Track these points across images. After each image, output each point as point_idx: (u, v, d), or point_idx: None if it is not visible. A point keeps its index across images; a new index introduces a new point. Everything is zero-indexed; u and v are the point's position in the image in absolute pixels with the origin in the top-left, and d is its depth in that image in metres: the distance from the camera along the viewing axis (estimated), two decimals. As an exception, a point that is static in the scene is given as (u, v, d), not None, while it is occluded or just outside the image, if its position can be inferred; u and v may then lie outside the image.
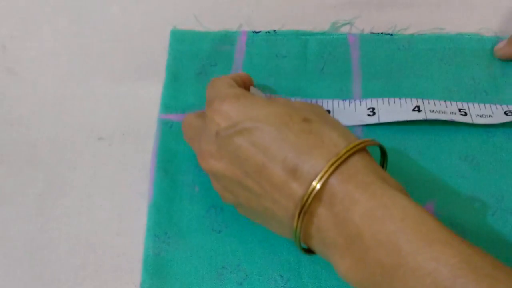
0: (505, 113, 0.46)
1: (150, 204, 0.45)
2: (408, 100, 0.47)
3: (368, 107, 0.48)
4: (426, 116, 0.46)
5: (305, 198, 0.32)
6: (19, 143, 0.48)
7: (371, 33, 0.53)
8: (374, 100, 0.48)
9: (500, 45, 0.49)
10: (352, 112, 0.48)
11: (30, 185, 0.46)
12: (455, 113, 0.46)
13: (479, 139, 0.47)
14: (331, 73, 0.50)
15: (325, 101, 0.49)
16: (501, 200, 0.44)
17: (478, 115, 0.46)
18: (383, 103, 0.48)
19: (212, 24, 0.53)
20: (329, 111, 0.47)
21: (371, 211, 0.31)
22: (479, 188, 0.45)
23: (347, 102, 0.48)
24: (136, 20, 0.54)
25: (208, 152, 0.37)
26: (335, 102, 0.48)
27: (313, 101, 0.48)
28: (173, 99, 0.49)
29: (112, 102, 0.50)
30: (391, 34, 0.52)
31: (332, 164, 0.32)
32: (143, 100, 0.50)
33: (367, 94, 0.49)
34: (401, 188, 0.34)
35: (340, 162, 0.32)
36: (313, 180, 0.32)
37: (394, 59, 0.51)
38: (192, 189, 0.45)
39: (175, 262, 0.43)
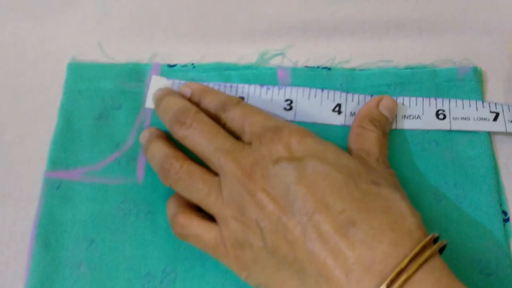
0: (437, 113, 0.41)
1: (25, 288, 0.37)
2: (331, 94, 0.43)
3: (286, 98, 0.42)
4: (344, 121, 0.42)
5: None
6: None
7: (305, 66, 0.45)
8: (294, 90, 0.43)
9: None
10: (268, 102, 0.42)
11: None
12: None
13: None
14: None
15: (240, 85, 0.43)
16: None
17: (404, 116, 0.42)
18: (302, 95, 0.43)
19: (120, 54, 0.45)
20: (243, 98, 0.42)
21: None
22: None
23: (264, 89, 0.43)
24: (28, 50, 0.46)
25: (252, 174, 0.33)
26: (252, 87, 0.43)
27: (228, 85, 0.43)
28: (64, 151, 0.41)
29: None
30: (329, 68, 0.44)
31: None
32: (30, 153, 0.42)
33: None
34: None
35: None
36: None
37: None
38: (77, 270, 0.38)
39: None
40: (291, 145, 0.34)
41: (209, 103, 0.39)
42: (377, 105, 0.40)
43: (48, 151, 0.41)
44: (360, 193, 0.31)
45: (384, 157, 0.38)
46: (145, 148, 0.39)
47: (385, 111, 0.40)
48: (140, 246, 0.38)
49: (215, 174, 0.35)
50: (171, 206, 0.37)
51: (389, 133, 0.41)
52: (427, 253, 0.29)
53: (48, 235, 0.39)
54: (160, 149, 0.38)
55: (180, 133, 0.36)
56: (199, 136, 0.36)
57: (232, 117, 0.37)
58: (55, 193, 0.40)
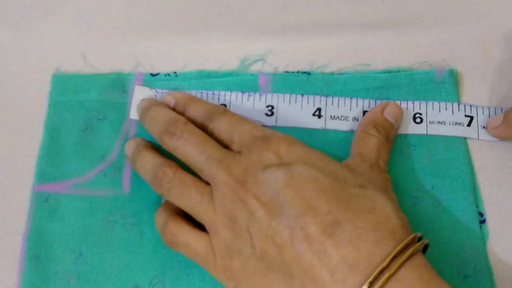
0: (414, 117, 0.43)
1: (17, 304, 0.38)
2: (311, 99, 0.44)
3: (267, 104, 0.43)
4: (325, 125, 0.43)
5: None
6: None
7: (285, 71, 0.45)
8: (274, 96, 0.44)
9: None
10: (249, 108, 0.44)
11: None
12: (357, 119, 0.43)
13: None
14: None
15: (222, 92, 0.44)
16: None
17: None
18: (283, 101, 0.44)
19: (103, 63, 0.46)
20: (225, 105, 0.43)
21: None
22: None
23: (245, 96, 0.44)
24: (12, 61, 0.46)
25: (244, 182, 0.34)
26: (233, 94, 0.44)
27: (210, 93, 0.44)
28: (50, 164, 0.42)
29: (-23, 170, 0.42)
30: (308, 73, 0.45)
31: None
32: (16, 166, 0.43)
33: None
34: None
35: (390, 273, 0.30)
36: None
37: None
38: (67, 282, 0.39)
39: None
40: (280, 152, 0.35)
41: (195, 112, 0.40)
42: (382, 111, 0.41)
43: (35, 164, 0.42)
44: (345, 196, 0.33)
45: (382, 162, 0.39)
46: (133, 159, 0.40)
47: (390, 117, 0.41)
48: (127, 258, 0.39)
49: (206, 183, 0.36)
50: (161, 215, 0.38)
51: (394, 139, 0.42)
52: (410, 251, 0.31)
53: (38, 249, 0.39)
54: (150, 159, 0.39)
55: (171, 144, 0.37)
56: (190, 147, 0.37)
57: (219, 127, 0.38)
58: (43, 206, 0.41)
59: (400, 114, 0.42)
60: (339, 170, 0.35)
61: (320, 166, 0.34)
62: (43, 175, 0.42)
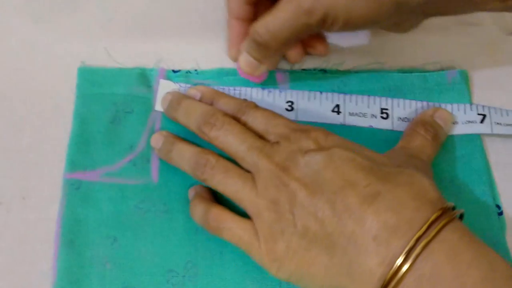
0: None
1: (54, 287, 0.39)
2: (329, 96, 0.45)
3: (287, 100, 0.45)
4: (344, 120, 0.45)
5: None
6: None
7: (302, 69, 0.47)
8: (294, 92, 0.46)
9: None
10: (270, 105, 0.45)
11: None
12: (376, 116, 0.45)
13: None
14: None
15: (243, 88, 0.46)
16: None
17: (400, 118, 0.45)
18: (302, 98, 0.45)
19: (126, 58, 0.47)
20: (245, 100, 0.44)
21: None
22: None
23: (266, 91, 0.46)
24: (38, 54, 0.48)
25: (286, 167, 0.36)
26: (254, 90, 0.46)
27: (231, 88, 0.46)
28: (81, 153, 0.43)
29: (9, 159, 0.44)
30: (325, 71, 0.47)
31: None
32: (47, 155, 0.44)
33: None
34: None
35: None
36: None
37: None
38: (103, 267, 0.40)
39: None
40: (319, 140, 0.37)
41: (225, 106, 0.42)
42: (433, 114, 0.44)
43: (65, 153, 0.43)
44: (383, 173, 0.35)
45: (424, 156, 0.41)
46: (165, 150, 0.42)
47: (439, 120, 0.43)
48: (160, 244, 0.41)
49: (247, 172, 0.38)
50: (199, 206, 0.40)
51: (443, 141, 0.44)
52: (449, 215, 0.33)
53: (73, 234, 0.41)
54: (187, 148, 0.40)
55: (211, 134, 0.39)
56: (231, 137, 0.39)
57: (253, 120, 0.40)
58: (76, 193, 0.42)
59: (449, 119, 0.44)
60: (376, 155, 0.37)
61: (357, 151, 0.36)
62: (74, 164, 0.43)
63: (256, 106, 0.41)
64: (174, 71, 0.47)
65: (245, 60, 0.43)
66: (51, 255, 0.40)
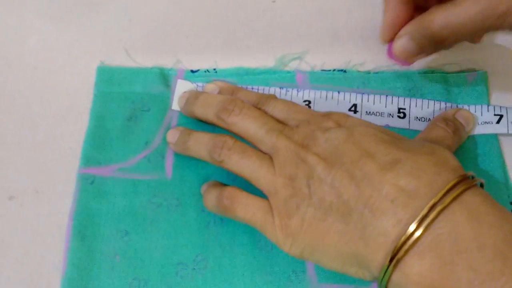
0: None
1: (63, 279, 0.39)
2: (347, 95, 0.45)
3: (305, 99, 0.45)
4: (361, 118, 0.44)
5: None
6: None
7: (322, 70, 0.47)
8: (312, 92, 0.45)
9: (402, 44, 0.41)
10: None
11: None
12: (392, 116, 0.44)
13: None
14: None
15: (261, 87, 0.45)
16: None
17: (417, 118, 0.44)
18: (320, 97, 0.45)
19: (144, 59, 0.47)
20: None
21: None
22: None
23: (283, 91, 0.45)
24: (57, 53, 0.48)
25: (305, 145, 0.36)
26: (272, 89, 0.45)
27: (249, 87, 0.45)
28: (96, 149, 0.43)
29: (24, 154, 0.44)
30: (345, 71, 0.47)
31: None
32: (61, 151, 0.44)
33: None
34: None
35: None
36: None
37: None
38: (112, 259, 0.40)
39: None
40: (340, 120, 0.37)
41: (245, 98, 0.42)
42: (455, 113, 0.43)
43: (80, 149, 0.43)
44: (404, 145, 0.34)
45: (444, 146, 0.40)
46: (182, 141, 0.41)
47: (461, 119, 0.43)
48: (171, 237, 0.40)
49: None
50: (213, 191, 0.39)
51: (463, 140, 0.43)
52: (470, 181, 0.32)
53: (84, 227, 0.40)
54: (204, 135, 0.40)
55: (230, 120, 0.39)
56: (250, 121, 0.38)
57: (273, 108, 0.40)
58: (89, 188, 0.42)
59: (471, 119, 0.43)
60: (397, 134, 0.37)
61: (378, 127, 0.36)
62: (88, 159, 0.43)
63: (276, 97, 0.41)
64: (192, 71, 0.47)
65: (405, 46, 0.41)
66: (62, 248, 0.40)
